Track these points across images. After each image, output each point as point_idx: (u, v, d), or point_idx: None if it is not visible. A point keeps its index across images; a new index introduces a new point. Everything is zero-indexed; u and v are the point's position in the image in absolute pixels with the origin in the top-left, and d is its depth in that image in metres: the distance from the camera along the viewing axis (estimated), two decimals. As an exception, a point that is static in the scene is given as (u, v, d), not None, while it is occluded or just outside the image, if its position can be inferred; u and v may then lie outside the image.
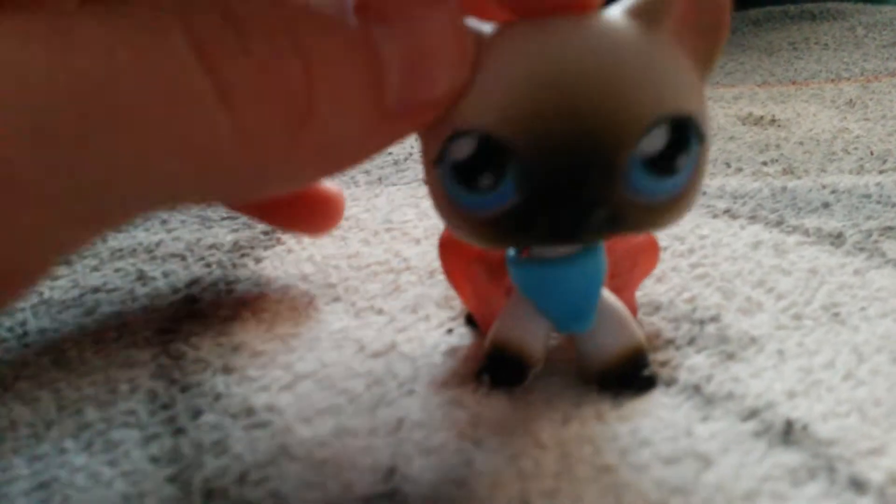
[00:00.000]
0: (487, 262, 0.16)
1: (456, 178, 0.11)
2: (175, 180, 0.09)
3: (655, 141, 0.11)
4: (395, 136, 0.11)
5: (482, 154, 0.11)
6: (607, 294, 0.14)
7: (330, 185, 0.19)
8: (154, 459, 0.13)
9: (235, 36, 0.09)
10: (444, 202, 0.12)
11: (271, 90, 0.09)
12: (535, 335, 0.14)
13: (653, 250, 0.16)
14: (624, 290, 0.16)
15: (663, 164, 0.11)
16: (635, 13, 0.11)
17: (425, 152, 0.12)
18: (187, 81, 0.08)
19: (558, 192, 0.11)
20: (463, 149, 0.11)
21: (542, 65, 0.11)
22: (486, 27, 0.12)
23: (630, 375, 0.14)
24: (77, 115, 0.08)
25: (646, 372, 0.15)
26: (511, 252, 0.14)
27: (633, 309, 0.17)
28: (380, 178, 0.27)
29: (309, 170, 0.11)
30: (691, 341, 0.16)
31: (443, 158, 0.12)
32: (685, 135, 0.11)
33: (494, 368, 0.14)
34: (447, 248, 0.16)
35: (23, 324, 0.17)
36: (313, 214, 0.19)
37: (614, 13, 0.12)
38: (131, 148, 0.08)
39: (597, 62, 0.11)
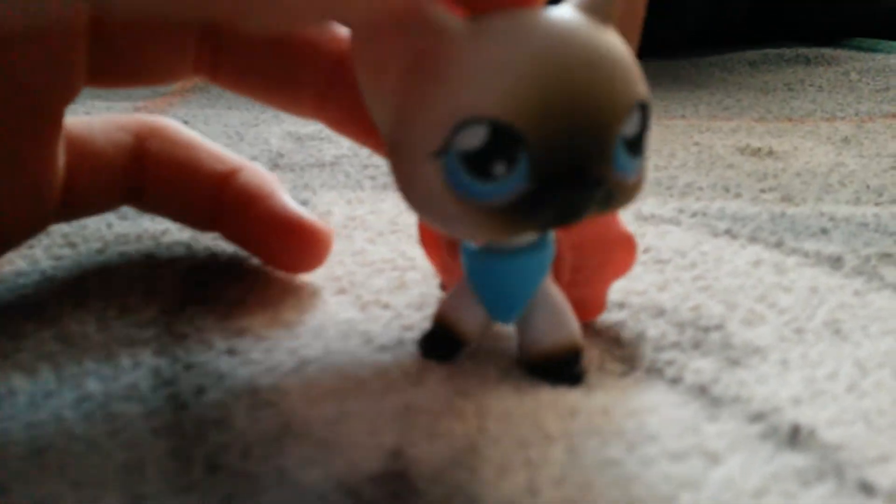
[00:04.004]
0: (450, 237, 0.16)
1: (465, 168, 0.11)
2: None
3: (633, 123, 0.12)
4: None
5: (495, 142, 0.11)
6: (551, 289, 0.15)
7: (319, 221, 0.18)
8: (155, 432, 0.13)
9: None
10: (443, 196, 0.12)
11: None
12: (472, 317, 0.15)
13: (628, 249, 0.17)
14: (589, 284, 0.16)
15: (637, 143, 0.12)
16: (592, 11, 0.12)
17: (410, 147, 0.12)
18: None
19: (568, 176, 0.12)
20: (473, 137, 0.11)
21: (545, 55, 0.12)
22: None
23: (557, 370, 0.15)
24: None
25: (575, 370, 0.15)
26: (467, 241, 0.15)
27: (600, 305, 0.17)
28: (385, 185, 0.28)
29: None
30: (696, 345, 0.16)
31: (447, 149, 0.11)
32: (648, 116, 0.12)
33: (429, 340, 0.15)
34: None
35: (24, 298, 0.17)
36: (298, 248, 0.18)
37: (575, 11, 0.12)
38: None
39: (588, 53, 0.12)
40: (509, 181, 0.11)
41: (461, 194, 0.12)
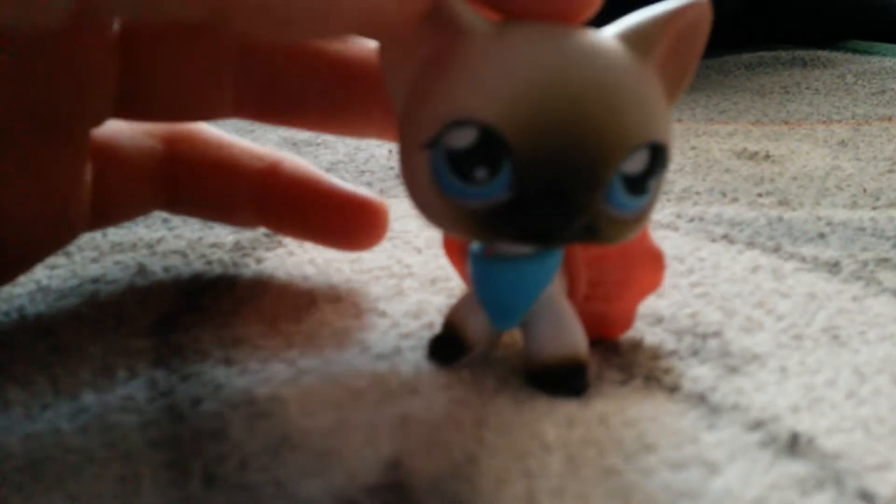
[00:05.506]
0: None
1: (449, 166, 0.12)
2: None
3: (637, 162, 0.12)
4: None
5: (481, 146, 0.11)
6: (557, 300, 0.15)
7: (372, 195, 0.18)
8: (152, 444, 0.13)
9: None
10: (428, 188, 0.12)
11: None
12: (476, 322, 0.15)
13: (655, 266, 0.16)
14: (610, 300, 0.16)
15: (639, 183, 0.12)
16: (630, 41, 0.12)
17: (409, 134, 0.12)
18: None
19: (549, 195, 0.11)
20: (462, 138, 0.11)
21: (552, 71, 0.11)
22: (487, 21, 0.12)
23: (556, 382, 0.14)
24: None
25: (574, 383, 0.14)
26: (474, 245, 0.14)
27: (626, 322, 0.17)
28: (381, 191, 0.27)
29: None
30: (694, 353, 0.16)
31: (436, 143, 0.12)
32: (659, 160, 0.12)
33: (436, 342, 0.15)
34: None
35: (20, 309, 0.17)
36: (361, 225, 0.18)
37: (611, 36, 0.12)
38: None
39: (602, 80, 0.12)
40: (489, 188, 0.12)
41: (442, 190, 0.12)
